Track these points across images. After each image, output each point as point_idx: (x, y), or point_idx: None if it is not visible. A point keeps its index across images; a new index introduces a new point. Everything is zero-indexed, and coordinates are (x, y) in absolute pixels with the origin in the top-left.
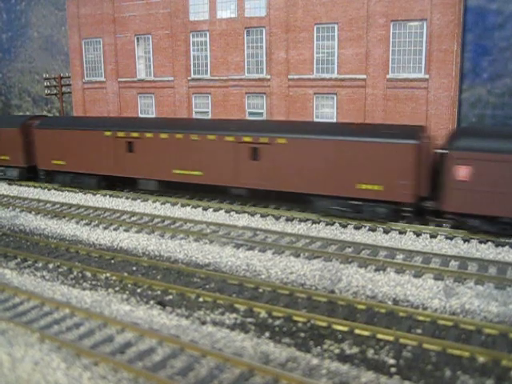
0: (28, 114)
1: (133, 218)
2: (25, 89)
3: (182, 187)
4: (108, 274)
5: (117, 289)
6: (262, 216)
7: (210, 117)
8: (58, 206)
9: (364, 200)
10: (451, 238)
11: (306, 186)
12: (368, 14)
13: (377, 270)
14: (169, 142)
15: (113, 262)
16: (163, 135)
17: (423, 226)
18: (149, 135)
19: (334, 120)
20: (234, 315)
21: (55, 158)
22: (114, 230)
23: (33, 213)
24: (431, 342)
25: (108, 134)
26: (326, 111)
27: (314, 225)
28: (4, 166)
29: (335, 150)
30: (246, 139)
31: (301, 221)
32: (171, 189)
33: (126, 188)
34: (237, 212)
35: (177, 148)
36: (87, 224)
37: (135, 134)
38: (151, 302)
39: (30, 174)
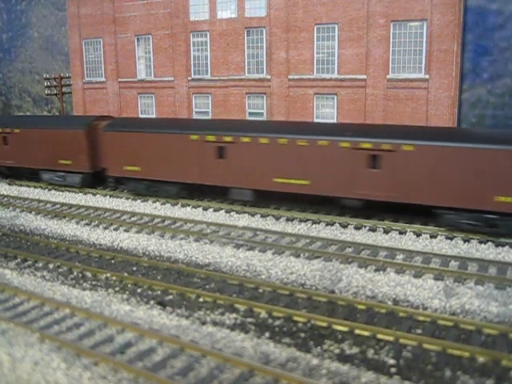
0: (29, 113)
1: (133, 218)
2: (25, 89)
3: (282, 198)
4: (108, 274)
5: (117, 289)
6: (263, 216)
7: (210, 117)
8: (59, 206)
9: (501, 214)
10: (451, 238)
11: (435, 198)
12: (368, 14)
13: (377, 270)
14: (270, 147)
15: (113, 262)
16: (263, 140)
17: (423, 226)
18: (245, 139)
19: (335, 120)
20: (234, 315)
21: (128, 163)
22: (115, 230)
23: (33, 213)
24: (431, 342)
25: (194, 137)
26: (326, 111)
27: (314, 225)
28: (64, 171)
29: (473, 159)
30: (365, 145)
31: (301, 221)
32: (269, 199)
33: (214, 198)
34: (237, 212)
35: (280, 154)
36: (87, 224)
37: (228, 138)
38: (151, 302)
39: (95, 180)
